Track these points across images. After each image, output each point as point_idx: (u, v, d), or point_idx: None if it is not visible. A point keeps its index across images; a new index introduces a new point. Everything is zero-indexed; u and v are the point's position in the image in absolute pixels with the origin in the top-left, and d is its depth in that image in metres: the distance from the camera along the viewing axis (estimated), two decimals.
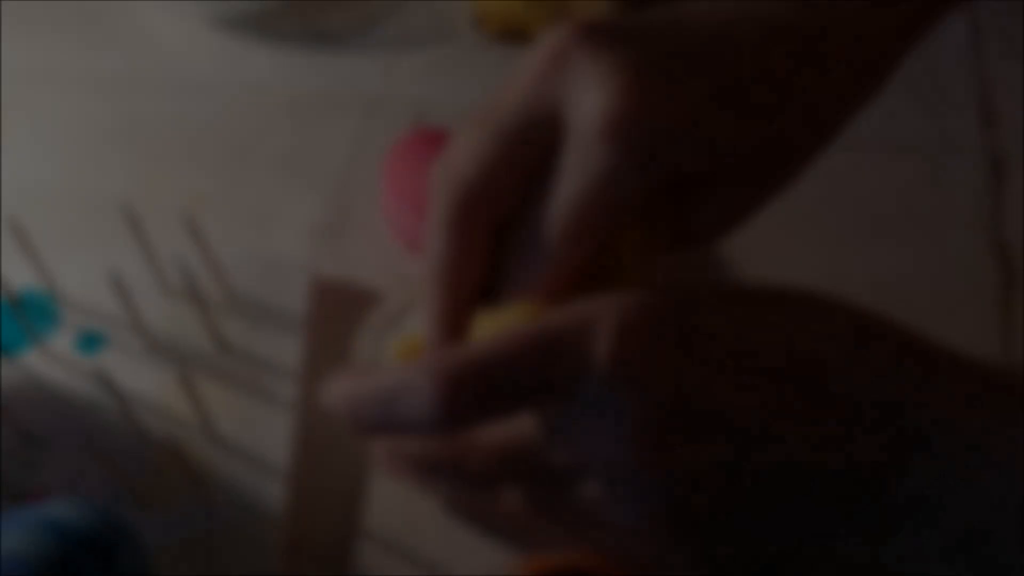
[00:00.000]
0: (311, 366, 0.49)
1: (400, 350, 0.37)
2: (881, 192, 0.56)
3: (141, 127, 0.62)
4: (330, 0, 0.66)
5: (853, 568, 0.32)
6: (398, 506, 0.47)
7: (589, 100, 0.32)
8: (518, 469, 0.32)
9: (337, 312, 0.54)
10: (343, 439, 0.48)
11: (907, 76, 0.60)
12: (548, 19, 0.62)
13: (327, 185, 0.59)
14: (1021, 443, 0.29)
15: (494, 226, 0.34)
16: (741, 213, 0.36)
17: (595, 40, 0.32)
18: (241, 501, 0.48)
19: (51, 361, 0.52)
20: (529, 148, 0.33)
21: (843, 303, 0.31)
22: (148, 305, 0.52)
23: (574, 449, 0.30)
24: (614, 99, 0.31)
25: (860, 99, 0.37)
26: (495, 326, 0.34)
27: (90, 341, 0.53)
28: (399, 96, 0.62)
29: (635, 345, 0.29)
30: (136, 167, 0.60)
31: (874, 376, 0.30)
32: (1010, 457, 0.29)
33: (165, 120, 0.62)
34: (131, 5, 0.67)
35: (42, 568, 0.38)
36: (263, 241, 0.57)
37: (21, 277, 0.53)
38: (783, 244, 0.53)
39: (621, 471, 0.30)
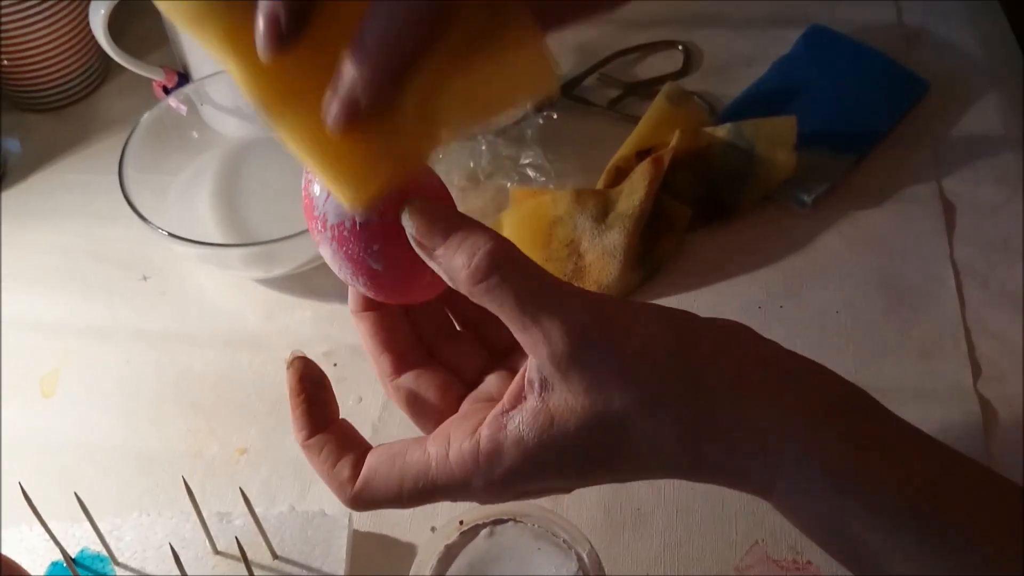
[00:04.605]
0: None
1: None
2: None
3: (190, 383, 0.67)
4: None
5: None
6: None
7: None
8: None
9: (376, 566, 0.57)
10: None
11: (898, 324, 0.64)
12: (564, 277, 0.67)
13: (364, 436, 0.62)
14: None
15: None
16: None
17: None
18: None
19: None
20: None
21: None
22: (198, 565, 0.55)
23: None
24: None
25: None
26: None
27: None
28: None
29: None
30: (185, 422, 0.65)
31: None
32: None
33: (213, 375, 0.67)
34: (180, 265, 0.73)
35: None
36: (304, 495, 0.60)
37: (78, 539, 0.57)
38: None
39: None
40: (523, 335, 0.39)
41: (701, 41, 0.85)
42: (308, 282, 0.71)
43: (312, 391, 0.45)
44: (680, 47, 0.84)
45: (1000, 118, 0.76)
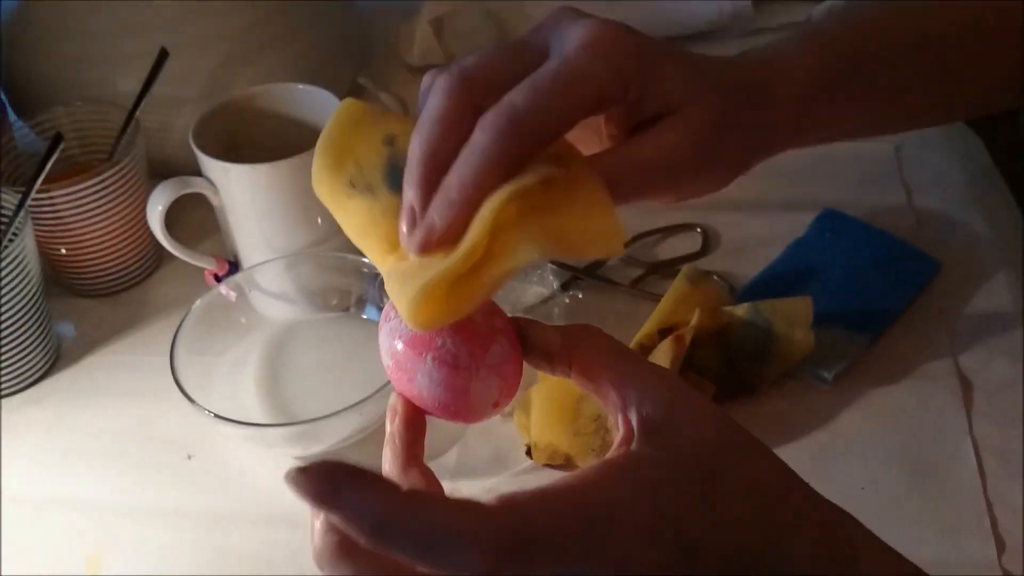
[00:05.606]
0: None
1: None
2: None
3: (232, 562, 0.68)
4: None
5: None
6: None
7: (573, 30, 0.46)
8: None
9: None
10: None
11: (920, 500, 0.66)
12: (592, 451, 0.69)
13: None
14: None
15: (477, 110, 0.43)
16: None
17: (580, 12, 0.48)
18: None
19: None
20: (518, 56, 0.45)
21: None
22: None
23: None
24: (593, 28, 0.46)
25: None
26: None
27: None
28: None
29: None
30: None
31: None
32: None
33: (251, 554, 0.69)
34: (224, 443, 0.76)
35: None
36: None
37: None
38: None
39: None
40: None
41: (718, 224, 0.89)
42: (345, 458, 0.73)
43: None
44: (698, 229, 0.88)
45: (1010, 296, 0.79)
